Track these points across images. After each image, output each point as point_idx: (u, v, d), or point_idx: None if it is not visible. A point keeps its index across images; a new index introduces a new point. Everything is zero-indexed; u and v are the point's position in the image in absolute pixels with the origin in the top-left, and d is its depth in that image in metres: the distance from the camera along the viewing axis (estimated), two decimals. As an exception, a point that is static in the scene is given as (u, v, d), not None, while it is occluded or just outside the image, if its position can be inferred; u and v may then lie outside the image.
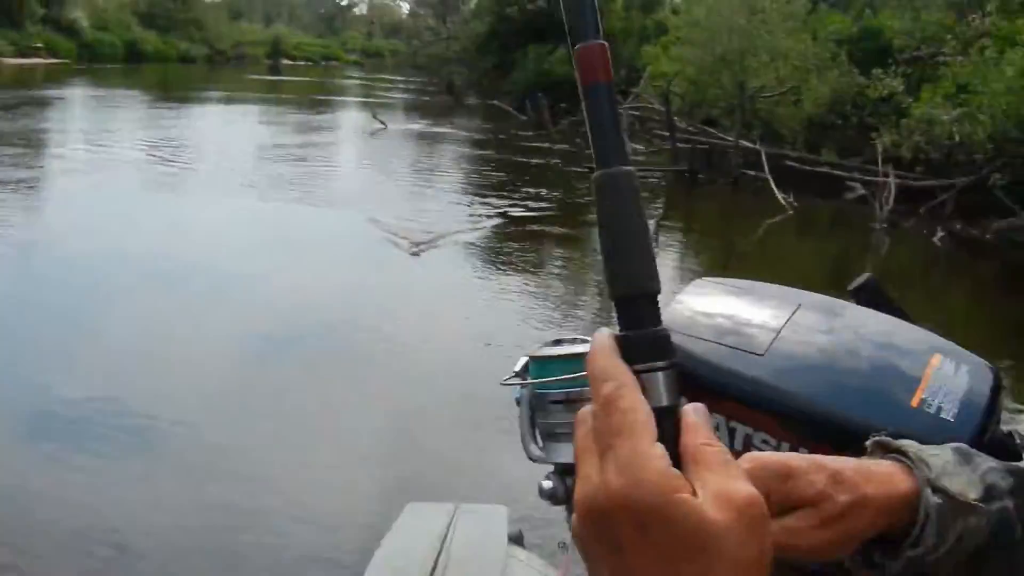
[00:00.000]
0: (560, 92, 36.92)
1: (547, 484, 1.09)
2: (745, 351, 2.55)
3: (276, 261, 14.01)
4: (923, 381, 2.41)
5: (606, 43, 0.93)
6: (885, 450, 1.27)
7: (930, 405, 2.32)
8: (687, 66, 29.28)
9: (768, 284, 2.94)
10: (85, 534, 6.43)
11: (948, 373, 2.45)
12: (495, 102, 42.23)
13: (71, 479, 7.23)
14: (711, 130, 27.75)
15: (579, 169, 23.89)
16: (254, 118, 35.76)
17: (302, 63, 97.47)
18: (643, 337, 0.88)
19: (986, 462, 1.26)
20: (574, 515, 0.85)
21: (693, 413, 0.89)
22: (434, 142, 30.94)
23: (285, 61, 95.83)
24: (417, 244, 14.21)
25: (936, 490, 1.18)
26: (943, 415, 2.30)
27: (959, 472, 1.22)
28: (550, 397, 1.11)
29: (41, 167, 21.67)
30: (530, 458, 1.14)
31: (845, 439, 2.19)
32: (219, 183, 20.72)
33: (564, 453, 1.05)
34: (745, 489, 0.82)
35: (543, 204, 20.06)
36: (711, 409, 2.57)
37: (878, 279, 3.11)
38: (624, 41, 44.86)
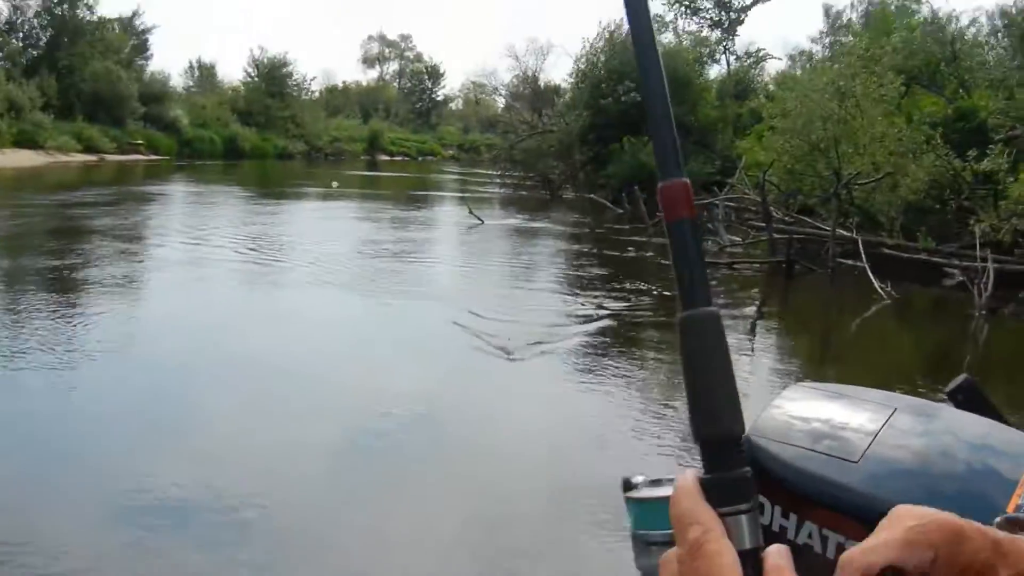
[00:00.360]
0: (656, 185, 36.96)
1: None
2: (840, 458, 2.53)
3: (369, 359, 14.08)
4: (1020, 485, 2.39)
5: (688, 180, 0.95)
6: (1019, 528, 1.20)
7: (1027, 509, 2.30)
8: (782, 155, 29.21)
9: (864, 388, 2.92)
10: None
11: (1046, 476, 2.43)
12: (592, 196, 42.30)
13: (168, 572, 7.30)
14: (807, 219, 27.60)
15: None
16: (351, 214, 36.07)
17: (399, 158, 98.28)
18: (727, 480, 0.89)
19: None
20: None
21: (776, 555, 0.89)
22: (531, 237, 31.01)
23: (382, 156, 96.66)
24: (510, 347, 14.11)
25: None
26: (1040, 520, 2.26)
27: None
28: (649, 539, 1.12)
29: (141, 262, 22.06)
30: None
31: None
32: (315, 280, 20.79)
33: None
34: None
35: (642, 299, 19.98)
36: (804, 517, 2.57)
37: (976, 380, 3.09)
38: (719, 131, 44.98)
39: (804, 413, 2.74)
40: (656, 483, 1.13)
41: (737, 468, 0.89)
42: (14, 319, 15.23)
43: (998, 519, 1.25)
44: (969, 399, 3.00)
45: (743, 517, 0.88)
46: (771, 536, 2.55)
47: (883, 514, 2.44)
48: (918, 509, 1.11)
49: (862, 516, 2.41)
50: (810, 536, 2.48)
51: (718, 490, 0.89)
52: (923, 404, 2.79)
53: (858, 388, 2.93)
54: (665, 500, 1.01)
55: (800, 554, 2.49)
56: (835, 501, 2.46)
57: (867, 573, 1.05)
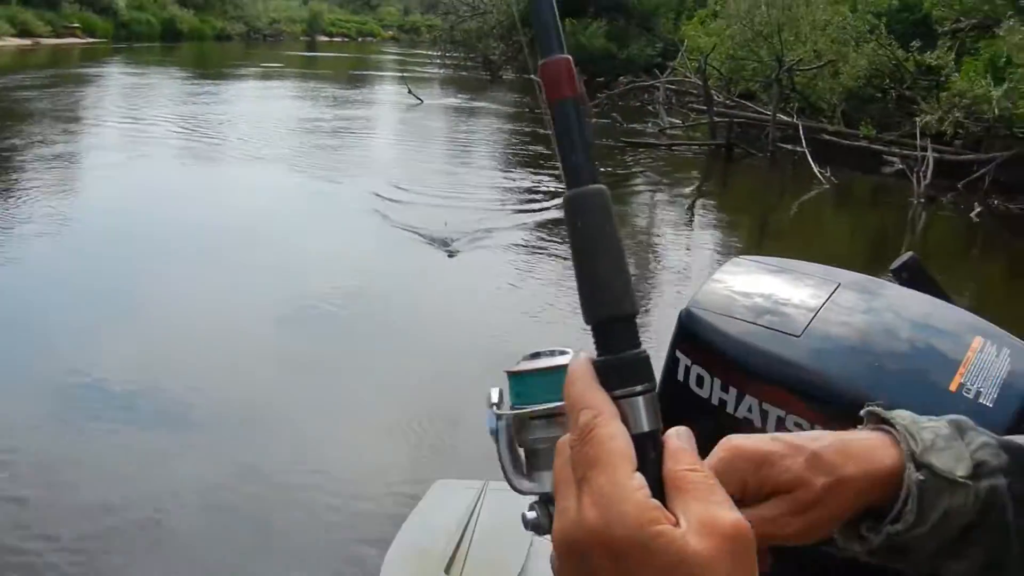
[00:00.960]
0: (597, 67, 36.89)
1: (531, 515, 1.00)
2: (781, 332, 2.52)
3: (305, 233, 14.17)
4: (963, 364, 2.39)
5: (570, 57, 0.94)
6: (878, 420, 1.23)
7: (968, 390, 2.30)
8: (725, 40, 29.19)
9: (807, 263, 2.90)
10: (120, 505, 6.50)
11: (990, 356, 2.42)
12: (532, 76, 42.11)
13: (106, 450, 7.34)
14: (748, 104, 27.69)
15: (615, 143, 23.89)
16: (290, 93, 35.84)
17: (339, 39, 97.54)
18: (621, 362, 0.86)
19: (981, 437, 1.20)
20: (552, 550, 0.84)
21: (676, 437, 0.86)
22: (470, 116, 30.96)
23: (322, 38, 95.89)
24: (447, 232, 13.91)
25: (920, 466, 1.13)
26: (982, 400, 2.26)
27: (949, 447, 1.17)
28: (532, 413, 1.04)
29: (77, 143, 21.79)
30: (517, 491, 1.06)
31: (881, 423, 2.14)
32: (251, 156, 21.00)
33: (547, 481, 0.97)
34: (730, 517, 0.79)
35: None
36: (744, 391, 2.54)
37: (920, 258, 3.06)
38: (661, 15, 44.83)
39: (745, 286, 2.72)
40: (535, 356, 1.06)
41: (631, 349, 0.87)
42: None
43: (863, 411, 1.27)
44: (913, 277, 2.98)
45: (639, 399, 0.85)
46: (711, 410, 2.54)
47: (823, 388, 2.43)
48: (736, 439, 1.15)
49: (803, 391, 2.40)
50: (750, 410, 2.47)
51: (612, 372, 0.86)
52: (866, 280, 2.77)
53: (800, 263, 2.91)
54: (541, 372, 1.02)
55: (739, 428, 2.46)
56: (776, 375, 2.45)
57: None
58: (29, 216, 14.08)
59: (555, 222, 14.73)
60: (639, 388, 0.85)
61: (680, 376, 2.65)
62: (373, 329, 10.56)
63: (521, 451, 1.05)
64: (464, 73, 49.74)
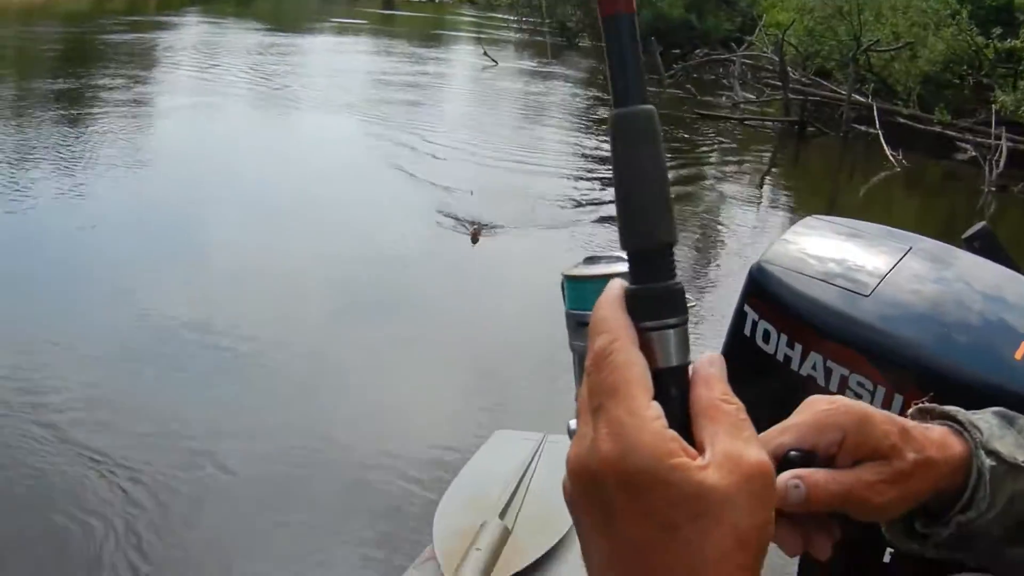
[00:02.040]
0: (674, 38, 36.64)
1: (573, 424, 0.94)
2: (850, 291, 2.53)
3: (371, 189, 14.24)
4: None
5: None
6: (930, 416, 1.26)
7: (1034, 359, 2.30)
8: (803, 16, 28.92)
9: (879, 225, 2.90)
10: (173, 452, 6.54)
11: (1056, 329, 2.42)
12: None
13: (161, 396, 7.37)
14: (824, 82, 27.43)
15: (690, 115, 23.89)
16: (365, 49, 35.86)
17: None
18: (654, 292, 0.84)
19: None
20: (566, 481, 0.83)
21: (708, 364, 0.85)
22: (543, 80, 30.82)
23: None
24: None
25: (988, 452, 1.19)
26: (1046, 369, 2.27)
27: (1005, 435, 1.23)
28: (579, 319, 1.05)
29: (151, 90, 21.93)
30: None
31: (945, 388, 2.15)
32: (323, 107, 21.16)
33: None
34: (756, 455, 0.78)
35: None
36: (809, 348, 2.55)
37: (993, 229, 3.05)
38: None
39: (817, 244, 2.73)
40: (593, 260, 1.06)
41: (666, 280, 0.84)
42: (26, 135, 15.30)
43: (911, 409, 1.28)
44: (985, 246, 2.98)
45: (671, 332, 0.84)
46: (776, 366, 2.56)
47: (889, 350, 2.43)
48: (830, 397, 1.17)
49: (869, 350, 2.41)
50: (814, 367, 2.49)
51: (644, 303, 0.84)
52: (938, 246, 2.78)
53: (872, 225, 2.91)
54: (593, 279, 1.03)
55: (803, 386, 2.49)
56: (842, 333, 2.47)
57: (775, 454, 1.09)
58: (98, 155, 14.37)
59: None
60: (672, 321, 0.84)
61: (747, 331, 2.67)
62: (439, 284, 10.60)
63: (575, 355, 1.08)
64: (539, 38, 49.59)
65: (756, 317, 2.63)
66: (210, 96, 21.04)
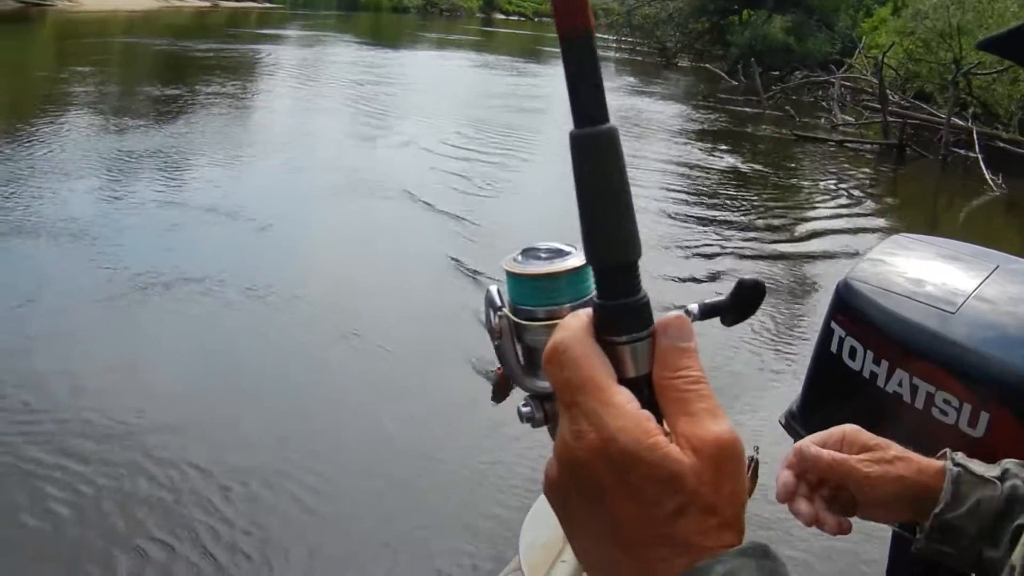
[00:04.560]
0: (774, 59, 36.48)
1: (525, 409, 1.05)
2: (937, 308, 2.54)
3: (476, 199, 14.29)
4: None
5: None
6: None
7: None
8: (903, 39, 28.65)
9: (965, 243, 2.91)
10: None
11: None
12: (707, 66, 41.92)
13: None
14: (923, 105, 27.11)
15: (789, 136, 23.93)
16: (464, 64, 36.06)
17: (515, 17, 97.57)
18: (625, 307, 0.84)
19: (1010, 461, 1.72)
20: (552, 469, 0.85)
21: (664, 334, 0.85)
22: (642, 98, 30.80)
23: (498, 15, 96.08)
24: None
25: (958, 465, 1.67)
26: None
27: (983, 464, 1.70)
28: (533, 315, 1.08)
29: (251, 102, 22.26)
30: (526, 390, 1.09)
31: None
32: (421, 117, 21.46)
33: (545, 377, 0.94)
34: (713, 431, 0.80)
35: (751, 166, 20.21)
36: (896, 365, 2.57)
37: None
38: (841, 11, 44.18)
39: (903, 262, 2.75)
40: (530, 252, 1.08)
41: (630, 296, 0.84)
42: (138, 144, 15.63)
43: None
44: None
45: (641, 344, 0.84)
46: (862, 383, 2.58)
47: (976, 368, 2.45)
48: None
49: (955, 368, 2.42)
50: (900, 385, 2.50)
51: (616, 318, 0.85)
52: (1026, 264, 2.78)
53: (958, 243, 2.93)
54: (537, 277, 1.06)
55: (889, 402, 2.51)
56: (928, 351, 2.48)
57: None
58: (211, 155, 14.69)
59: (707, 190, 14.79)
60: (644, 334, 0.84)
61: (833, 347, 2.70)
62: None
63: (519, 347, 1.10)
64: (639, 58, 49.53)
65: (843, 333, 2.66)
66: (312, 103, 21.56)
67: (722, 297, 1.04)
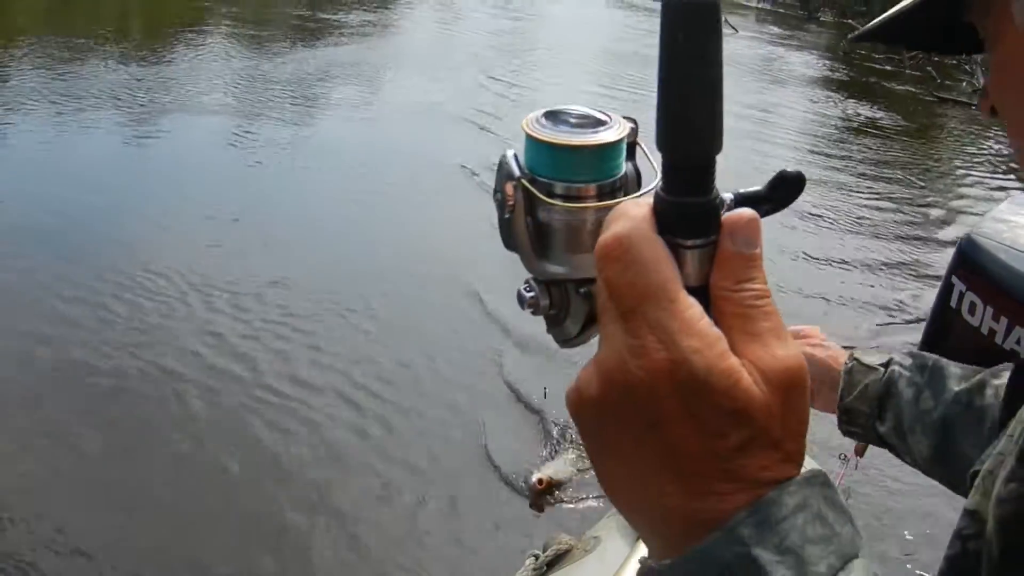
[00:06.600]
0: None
1: (529, 293, 0.92)
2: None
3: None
4: None
5: None
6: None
7: None
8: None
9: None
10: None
11: None
12: (848, 21, 41.34)
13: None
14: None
15: (929, 97, 23.92)
16: (608, 15, 35.91)
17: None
18: (699, 207, 0.76)
19: (904, 351, 2.06)
20: (591, 385, 0.76)
21: (730, 239, 0.76)
22: (783, 47, 30.52)
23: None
24: None
25: (853, 359, 2.04)
26: None
27: (880, 355, 2.04)
28: (550, 189, 0.91)
29: (382, 58, 23.34)
30: (538, 273, 0.95)
31: None
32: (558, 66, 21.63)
33: (565, 264, 0.91)
34: (782, 355, 0.73)
35: (888, 121, 20.42)
36: (1015, 322, 2.55)
37: None
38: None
39: (1029, 218, 2.71)
40: (555, 115, 0.87)
41: (708, 195, 0.76)
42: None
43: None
44: None
45: (706, 251, 0.76)
46: (980, 339, 2.57)
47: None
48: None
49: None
50: (1018, 342, 2.48)
51: (686, 219, 0.76)
52: None
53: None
54: (561, 148, 0.90)
55: (1005, 360, 2.50)
56: (1050, 310, 2.45)
57: None
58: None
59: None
60: (714, 238, 0.76)
61: (953, 302, 2.68)
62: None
63: (529, 221, 0.93)
64: (780, 11, 48.96)
65: (963, 288, 2.64)
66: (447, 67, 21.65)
67: (759, 188, 0.92)
